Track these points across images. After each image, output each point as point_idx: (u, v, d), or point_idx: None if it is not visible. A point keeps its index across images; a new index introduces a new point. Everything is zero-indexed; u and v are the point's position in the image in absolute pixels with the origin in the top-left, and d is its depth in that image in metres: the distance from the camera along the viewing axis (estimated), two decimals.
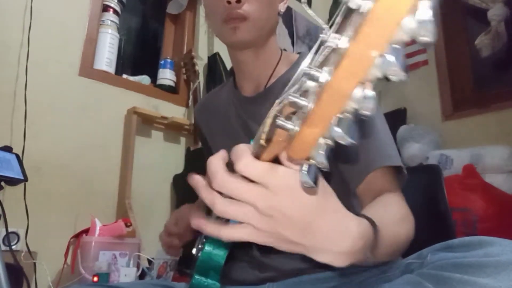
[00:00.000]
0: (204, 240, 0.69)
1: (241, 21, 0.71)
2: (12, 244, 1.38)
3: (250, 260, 0.76)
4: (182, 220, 0.85)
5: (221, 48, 2.35)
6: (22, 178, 1.11)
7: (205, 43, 2.38)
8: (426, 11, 0.23)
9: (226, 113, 0.86)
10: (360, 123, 0.28)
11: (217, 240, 0.58)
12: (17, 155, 1.14)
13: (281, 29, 2.72)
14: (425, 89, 2.54)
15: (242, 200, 0.37)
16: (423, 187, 1.01)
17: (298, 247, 0.38)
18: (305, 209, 0.36)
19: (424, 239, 1.01)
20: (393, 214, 0.54)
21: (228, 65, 2.29)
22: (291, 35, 2.84)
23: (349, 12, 0.28)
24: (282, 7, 0.81)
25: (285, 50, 0.86)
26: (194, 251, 0.76)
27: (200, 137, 1.07)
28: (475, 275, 0.39)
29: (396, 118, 2.49)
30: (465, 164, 1.90)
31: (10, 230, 1.19)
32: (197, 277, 0.59)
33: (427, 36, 0.23)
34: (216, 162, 0.39)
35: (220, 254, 0.58)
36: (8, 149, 1.14)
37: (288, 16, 2.83)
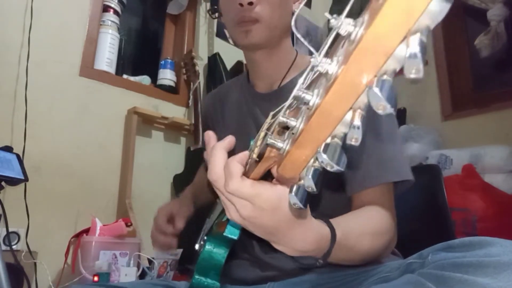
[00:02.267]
0: (205, 238, 0.69)
1: (253, 24, 0.72)
2: (12, 244, 1.38)
3: (252, 259, 0.76)
4: (178, 216, 0.84)
5: (221, 48, 2.35)
6: (23, 178, 1.11)
7: (205, 43, 2.38)
8: (415, 46, 0.21)
9: (239, 106, 0.87)
10: (365, 128, 0.27)
11: (218, 238, 0.58)
12: (17, 155, 1.14)
13: None
14: (424, 89, 2.54)
15: (232, 204, 0.44)
16: (423, 187, 1.01)
17: (264, 238, 0.47)
18: (280, 224, 0.44)
19: (423, 238, 1.01)
20: (363, 228, 0.58)
21: (228, 65, 2.29)
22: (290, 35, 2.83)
23: (340, 37, 0.27)
24: (296, 7, 0.81)
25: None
26: (196, 246, 0.76)
27: (203, 127, 1.05)
28: (476, 275, 0.40)
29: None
30: (465, 164, 1.90)
31: (10, 230, 1.19)
32: (197, 277, 0.59)
33: (414, 74, 0.21)
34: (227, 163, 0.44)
35: (220, 253, 0.58)
36: (8, 149, 1.14)
37: None
